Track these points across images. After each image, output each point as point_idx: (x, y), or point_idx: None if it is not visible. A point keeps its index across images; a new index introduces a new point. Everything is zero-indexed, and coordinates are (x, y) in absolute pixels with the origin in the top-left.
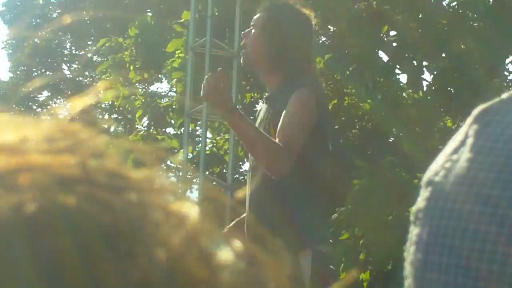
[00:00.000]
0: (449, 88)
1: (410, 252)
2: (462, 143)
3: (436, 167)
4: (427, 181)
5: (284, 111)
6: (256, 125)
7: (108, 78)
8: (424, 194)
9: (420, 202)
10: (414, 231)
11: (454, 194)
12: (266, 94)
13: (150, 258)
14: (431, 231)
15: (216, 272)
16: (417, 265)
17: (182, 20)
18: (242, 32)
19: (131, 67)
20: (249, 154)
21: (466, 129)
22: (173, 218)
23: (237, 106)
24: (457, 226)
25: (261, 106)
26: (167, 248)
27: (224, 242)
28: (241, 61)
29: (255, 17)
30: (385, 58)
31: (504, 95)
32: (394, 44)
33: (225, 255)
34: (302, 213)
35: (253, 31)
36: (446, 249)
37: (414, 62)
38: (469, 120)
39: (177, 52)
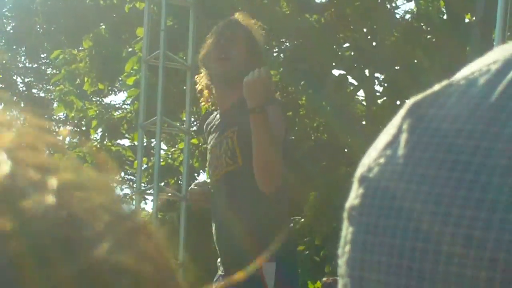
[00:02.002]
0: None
1: (345, 251)
2: (396, 137)
3: (369, 162)
4: (360, 177)
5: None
6: (213, 138)
7: (62, 90)
8: (358, 191)
9: (354, 199)
10: (349, 229)
11: (391, 191)
12: (219, 109)
13: (82, 271)
14: (368, 230)
15: (140, 263)
16: (354, 264)
17: (138, 38)
18: (222, 43)
19: (86, 79)
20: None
21: (399, 122)
22: (110, 217)
23: (193, 118)
24: (397, 224)
25: (213, 118)
26: (104, 246)
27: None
28: (220, 74)
29: (229, 32)
30: (337, 73)
31: (436, 87)
32: (347, 54)
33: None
34: (270, 224)
35: (235, 46)
36: (386, 248)
37: (366, 72)
38: (402, 112)
39: (133, 68)
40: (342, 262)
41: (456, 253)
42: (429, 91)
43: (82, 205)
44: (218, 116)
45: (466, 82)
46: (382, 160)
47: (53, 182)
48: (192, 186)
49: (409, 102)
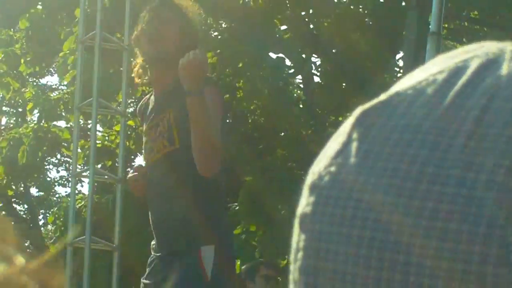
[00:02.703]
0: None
1: (298, 257)
2: (345, 145)
3: (319, 170)
4: (311, 185)
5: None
6: (148, 120)
7: None
8: (309, 199)
9: (306, 206)
10: (301, 236)
11: (344, 199)
12: (154, 91)
13: None
14: (321, 238)
15: None
16: (308, 271)
17: (77, 20)
18: (154, 24)
19: (22, 60)
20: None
21: (348, 130)
22: None
23: (130, 99)
24: (350, 233)
25: (146, 101)
26: None
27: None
28: (152, 54)
29: (162, 13)
30: (275, 56)
31: (383, 96)
32: (285, 37)
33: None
34: (207, 207)
35: (168, 27)
36: (341, 256)
37: (303, 56)
38: (351, 120)
39: (70, 48)
40: (294, 268)
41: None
42: (376, 100)
43: None
44: (153, 97)
45: (413, 92)
46: (333, 169)
47: None
48: (130, 173)
49: (357, 111)
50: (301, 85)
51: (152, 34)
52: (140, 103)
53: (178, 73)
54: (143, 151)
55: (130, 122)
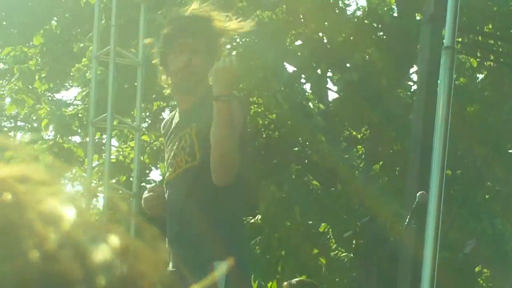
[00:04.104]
0: (355, 99)
1: None
2: None
3: None
4: None
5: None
6: (171, 137)
7: (13, 88)
8: None
9: None
10: None
11: None
12: (178, 108)
13: (25, 260)
14: None
15: (91, 271)
16: None
17: (91, 34)
18: (180, 46)
19: (36, 77)
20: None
21: None
22: (48, 218)
23: (144, 113)
24: None
25: (171, 118)
26: (41, 249)
27: (101, 240)
28: (182, 84)
29: (185, 30)
30: (290, 68)
31: None
32: (299, 53)
33: (101, 254)
34: (224, 222)
35: (198, 46)
36: None
37: (319, 71)
38: None
39: (85, 63)
40: None
41: None
42: None
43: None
44: (177, 114)
45: None
46: None
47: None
48: (145, 193)
49: None
50: (316, 101)
51: (180, 63)
52: (165, 120)
53: (212, 78)
54: (165, 166)
55: (144, 137)
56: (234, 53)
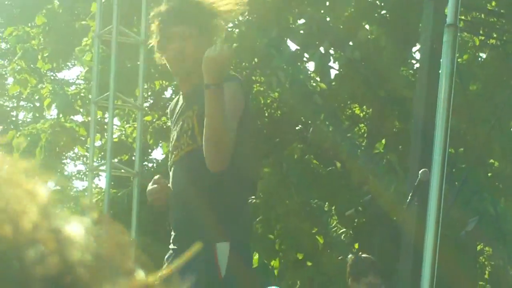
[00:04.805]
0: (356, 76)
1: None
2: None
3: None
4: None
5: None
6: (174, 119)
7: (16, 68)
8: None
9: None
10: None
11: None
12: (181, 91)
13: None
14: None
15: (64, 245)
16: None
17: (93, 13)
18: (173, 34)
19: (39, 56)
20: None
21: None
22: (24, 195)
23: (147, 93)
24: None
25: (176, 100)
26: (16, 224)
27: (73, 218)
28: (177, 70)
29: (177, 15)
30: (293, 46)
31: None
32: (302, 32)
33: (74, 230)
34: (226, 204)
35: (189, 32)
36: None
37: (322, 49)
38: None
39: (88, 43)
40: None
41: None
42: None
43: None
44: (181, 97)
45: None
46: None
47: None
48: (150, 185)
49: None
50: (318, 78)
51: (174, 52)
52: (171, 103)
53: (202, 66)
54: (169, 148)
55: (147, 117)
56: (236, 31)
